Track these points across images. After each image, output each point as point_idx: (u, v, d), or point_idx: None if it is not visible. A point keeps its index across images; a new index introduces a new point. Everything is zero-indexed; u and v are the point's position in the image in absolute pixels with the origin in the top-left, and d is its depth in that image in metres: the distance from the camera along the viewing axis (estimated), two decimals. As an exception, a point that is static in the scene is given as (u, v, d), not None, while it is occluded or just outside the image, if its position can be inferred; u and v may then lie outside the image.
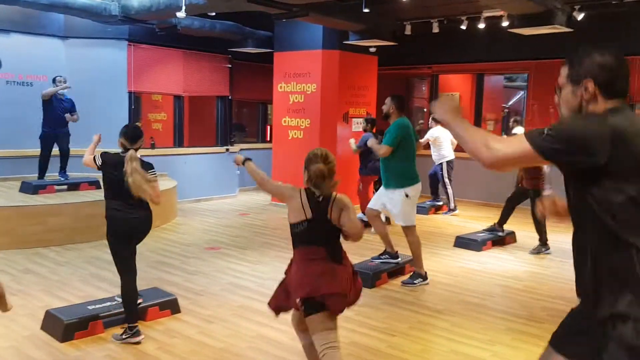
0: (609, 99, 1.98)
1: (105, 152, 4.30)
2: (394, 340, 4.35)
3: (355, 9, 7.62)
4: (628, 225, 1.84)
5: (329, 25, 9.02)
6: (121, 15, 8.39)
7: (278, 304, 3.29)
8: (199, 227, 8.29)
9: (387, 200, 5.83)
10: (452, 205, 9.60)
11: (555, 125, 1.87)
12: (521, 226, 7.98)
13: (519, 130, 10.75)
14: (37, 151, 8.00)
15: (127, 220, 4.15)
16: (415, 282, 5.70)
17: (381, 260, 6.00)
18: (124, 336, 4.15)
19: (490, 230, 7.52)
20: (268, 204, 10.23)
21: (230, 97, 11.06)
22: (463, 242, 7.28)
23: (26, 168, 8.46)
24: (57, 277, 5.72)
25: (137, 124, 5.15)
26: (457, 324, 4.69)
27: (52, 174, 8.29)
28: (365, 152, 8.03)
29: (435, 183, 9.76)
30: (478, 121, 11.34)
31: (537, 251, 7.06)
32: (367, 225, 8.22)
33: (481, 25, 8.44)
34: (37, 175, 8.03)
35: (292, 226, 3.18)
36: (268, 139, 12.27)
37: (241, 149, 11.18)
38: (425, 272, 5.77)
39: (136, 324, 4.18)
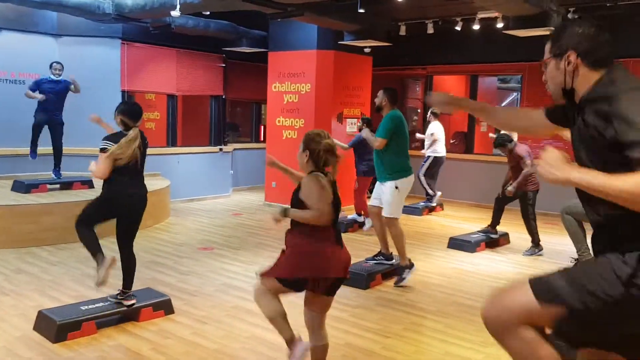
0: (596, 68, 1.97)
1: (109, 137, 4.31)
2: (388, 341, 4.34)
3: (351, 9, 7.62)
4: None
5: (324, 25, 9.01)
6: (115, 13, 8.35)
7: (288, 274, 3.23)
8: (192, 227, 8.26)
9: (381, 192, 5.84)
10: (430, 192, 9.59)
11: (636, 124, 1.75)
12: (514, 227, 8.01)
13: None
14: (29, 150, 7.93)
15: (141, 197, 4.43)
16: (404, 276, 5.68)
17: (375, 262, 6.00)
18: (119, 297, 4.42)
19: (485, 232, 7.54)
20: (262, 204, 10.22)
21: (224, 97, 11.03)
22: (457, 244, 7.30)
23: (19, 167, 8.41)
24: (49, 276, 5.68)
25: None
26: (451, 326, 4.70)
27: (46, 173, 8.23)
28: (360, 148, 8.02)
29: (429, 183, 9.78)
30: (472, 123, 11.38)
31: (530, 252, 7.09)
32: (360, 225, 8.28)
33: (476, 27, 8.46)
34: (30, 173, 7.96)
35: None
36: (262, 138, 12.26)
37: (235, 149, 11.16)
38: (409, 259, 5.75)
39: (99, 253, 4.26)
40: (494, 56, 10.27)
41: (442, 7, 8.17)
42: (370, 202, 6.09)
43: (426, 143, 9.65)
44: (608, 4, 7.74)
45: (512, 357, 2.19)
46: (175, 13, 7.30)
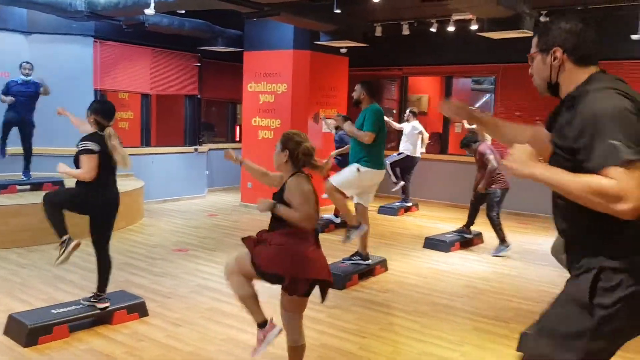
0: (581, 65, 2.00)
1: (88, 137, 4.24)
2: (365, 341, 4.35)
3: (327, 10, 7.61)
4: None
5: (300, 25, 8.99)
6: (87, 11, 8.19)
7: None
8: (166, 228, 8.17)
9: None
10: (394, 179, 9.64)
11: (608, 134, 1.76)
12: (488, 227, 8.07)
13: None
14: (-2, 150, 7.76)
15: (116, 196, 4.39)
16: (350, 235, 5.65)
17: (352, 262, 6.00)
18: (92, 299, 4.34)
19: (459, 232, 7.60)
20: (238, 204, 10.15)
21: (199, 96, 10.93)
22: (432, 243, 7.35)
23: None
24: (19, 279, 5.55)
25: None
26: (427, 325, 4.72)
27: (15, 174, 8.04)
28: (344, 146, 8.04)
29: (408, 172, 9.80)
30: (446, 124, 11.47)
31: (497, 252, 7.10)
32: (342, 225, 8.28)
33: (451, 29, 8.53)
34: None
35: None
36: (237, 138, 12.18)
37: (210, 149, 11.08)
38: (358, 222, 5.74)
39: (66, 234, 4.19)
40: (468, 58, 10.37)
41: (417, 9, 8.22)
42: (355, 200, 6.05)
43: (404, 140, 9.64)
44: (579, 8, 7.89)
45: None
46: (150, 11, 7.20)
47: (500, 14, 7.23)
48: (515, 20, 7.30)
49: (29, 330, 4.00)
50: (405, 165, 9.67)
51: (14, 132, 7.71)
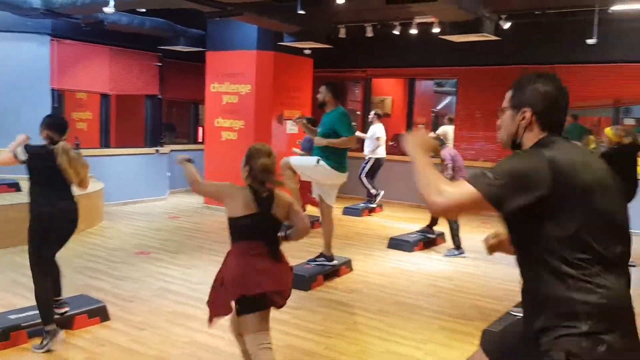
0: (544, 129, 2.02)
1: (29, 145, 4.07)
2: (331, 342, 4.35)
3: (290, 10, 7.60)
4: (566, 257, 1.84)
5: (264, 26, 8.95)
6: (43, 8, 7.96)
7: (219, 309, 3.14)
8: (127, 231, 8.00)
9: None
10: (373, 191, 9.72)
11: (495, 167, 1.88)
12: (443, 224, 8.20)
13: (444, 129, 11.07)
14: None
15: (59, 215, 4.04)
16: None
17: (317, 263, 5.99)
18: (45, 342, 3.93)
19: (423, 231, 7.68)
20: (200, 206, 10.03)
21: (160, 97, 10.75)
22: (396, 244, 7.40)
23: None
24: (-28, 285, 5.35)
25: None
26: (392, 324, 4.75)
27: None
28: (309, 150, 8.01)
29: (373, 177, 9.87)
30: (410, 125, 11.59)
31: (450, 254, 7.14)
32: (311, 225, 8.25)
33: (413, 31, 8.62)
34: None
35: (235, 220, 3.13)
36: (200, 140, 12.03)
37: (172, 150, 10.91)
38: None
39: (53, 324, 3.96)
40: (430, 60, 10.52)
41: (381, 11, 8.27)
42: (317, 199, 6.04)
43: (368, 144, 9.72)
44: (537, 12, 8.09)
45: None
46: (109, 10, 7.05)
47: (461, 18, 7.35)
48: (476, 24, 7.44)
49: (-16, 337, 3.86)
50: (375, 169, 9.75)
51: None
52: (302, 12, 7.42)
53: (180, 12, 8.72)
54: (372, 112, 9.96)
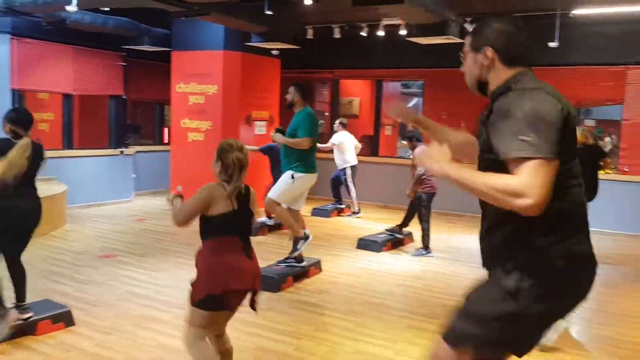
0: (510, 66, 2.05)
1: None
2: (301, 343, 4.34)
3: (258, 11, 7.57)
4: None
5: (231, 26, 8.89)
6: (3, 6, 7.74)
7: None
8: (92, 234, 7.83)
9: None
10: (356, 208, 9.79)
11: (527, 121, 1.82)
12: (419, 226, 8.27)
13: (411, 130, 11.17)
14: None
15: (21, 211, 4.03)
16: (298, 247, 5.70)
17: (286, 264, 5.98)
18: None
19: (392, 231, 7.71)
20: (167, 208, 9.85)
21: (124, 97, 10.57)
22: (364, 244, 7.44)
23: None
24: None
25: None
26: (361, 324, 4.77)
27: None
28: (274, 155, 7.98)
29: (337, 186, 9.90)
30: (377, 127, 11.66)
31: (418, 254, 7.20)
32: (274, 228, 8.23)
33: (380, 33, 8.69)
34: None
35: (214, 217, 3.11)
36: (166, 141, 11.87)
37: (137, 151, 10.74)
38: (305, 231, 5.78)
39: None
40: (397, 62, 10.60)
41: (348, 13, 8.31)
42: (284, 206, 6.04)
43: (336, 154, 9.66)
44: (500, 15, 8.24)
45: None
46: (71, 8, 6.89)
47: (427, 20, 7.44)
48: (442, 26, 7.55)
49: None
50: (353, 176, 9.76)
51: None
52: (269, 12, 7.40)
53: (144, 11, 8.58)
54: (337, 121, 9.93)
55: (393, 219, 8.82)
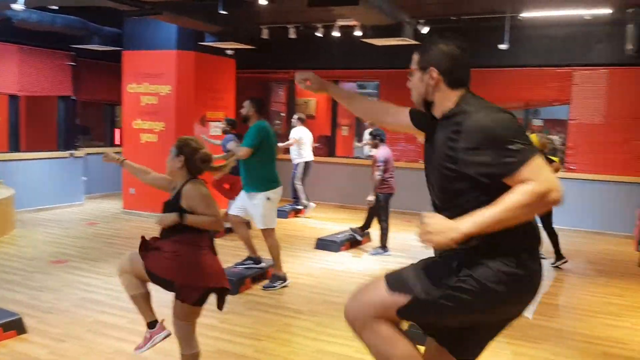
0: (453, 88, 2.13)
1: None
2: (261, 344, 4.32)
3: (212, 10, 7.49)
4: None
5: (184, 25, 8.76)
6: (-56, 3, 7.41)
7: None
8: (42, 239, 7.58)
9: (248, 204, 5.79)
10: (305, 202, 9.78)
11: (503, 136, 1.92)
12: (378, 225, 8.36)
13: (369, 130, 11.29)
14: None
15: None
16: (275, 284, 5.72)
17: (245, 266, 5.95)
18: None
19: (354, 231, 7.70)
20: (119, 211, 9.66)
21: (73, 98, 10.27)
22: (323, 244, 7.47)
23: None
24: None
25: None
26: (322, 324, 4.79)
27: None
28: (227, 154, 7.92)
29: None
30: (334, 127, 11.72)
31: (375, 252, 7.28)
32: (228, 230, 8.15)
33: (336, 34, 8.74)
34: None
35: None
36: (117, 142, 11.60)
37: (87, 154, 10.46)
38: (285, 274, 5.81)
39: None
40: (353, 63, 10.68)
41: (304, 13, 8.32)
42: (232, 211, 6.04)
43: (293, 149, 9.71)
44: (453, 18, 8.43)
45: (370, 352, 2.27)
46: (18, 6, 6.66)
47: (382, 22, 7.53)
48: (397, 28, 7.65)
49: None
50: (305, 172, 9.76)
51: None
52: (223, 12, 7.33)
53: (94, 10, 8.38)
54: (295, 116, 9.98)
55: (351, 219, 8.91)
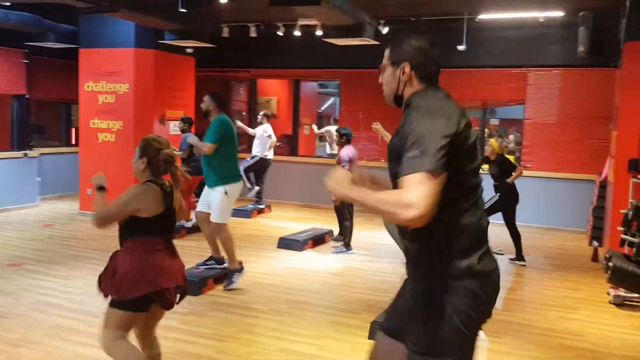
0: (423, 82, 2.16)
1: None
2: (223, 345, 4.30)
3: (171, 8, 7.38)
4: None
5: (143, 23, 8.61)
6: None
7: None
8: (-5, 242, 7.35)
9: (210, 198, 5.75)
10: (249, 185, 9.63)
11: (417, 140, 1.89)
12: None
13: (329, 129, 11.32)
14: None
15: None
16: (233, 280, 5.66)
17: (207, 267, 5.89)
18: None
19: (336, 239, 7.68)
20: (75, 212, 9.43)
21: (27, 96, 9.98)
22: (286, 243, 7.46)
23: None
24: None
25: None
26: (285, 323, 4.79)
27: None
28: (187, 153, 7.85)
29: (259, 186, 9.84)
30: (296, 126, 11.70)
31: (339, 251, 7.32)
32: (194, 230, 8.05)
33: (297, 33, 8.73)
34: None
35: (146, 219, 3.02)
36: (73, 142, 11.33)
37: (42, 154, 10.18)
38: (240, 263, 5.75)
39: None
40: (314, 62, 10.69)
41: (265, 12, 8.29)
42: (199, 208, 5.98)
43: (257, 144, 9.64)
44: (412, 19, 8.54)
45: None
46: (-32, 0, 6.43)
47: (343, 22, 7.56)
48: (358, 28, 7.69)
49: None
50: (259, 168, 9.69)
51: None
52: (183, 10, 7.25)
53: (49, 6, 8.15)
54: (262, 113, 9.94)
55: (313, 218, 8.93)
